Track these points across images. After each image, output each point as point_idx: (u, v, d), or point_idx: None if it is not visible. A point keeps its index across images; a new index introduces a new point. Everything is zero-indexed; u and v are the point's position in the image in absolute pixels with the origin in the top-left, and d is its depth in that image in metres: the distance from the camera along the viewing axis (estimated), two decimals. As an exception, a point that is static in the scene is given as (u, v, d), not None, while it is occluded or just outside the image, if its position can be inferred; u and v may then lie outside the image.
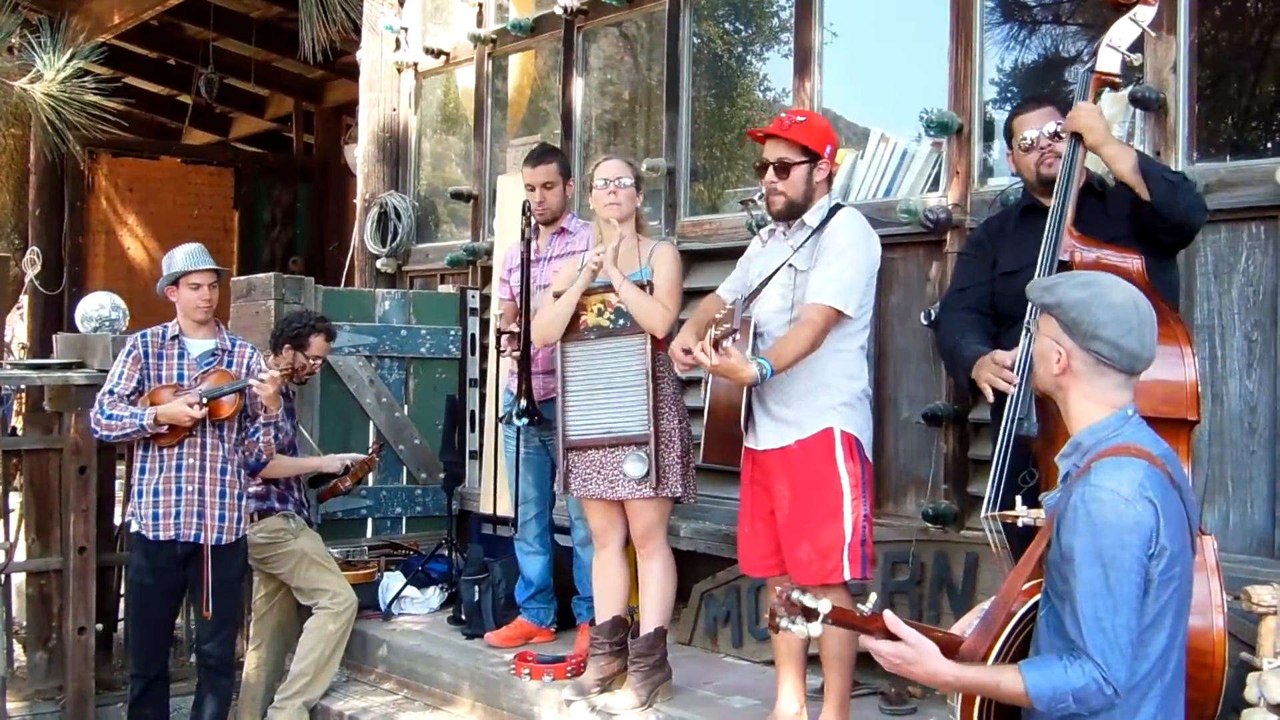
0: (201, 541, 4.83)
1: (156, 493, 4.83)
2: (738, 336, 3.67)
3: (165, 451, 4.83)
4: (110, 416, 4.78)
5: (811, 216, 3.96)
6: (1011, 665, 2.55)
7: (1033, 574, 2.71)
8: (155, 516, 4.82)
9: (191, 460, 4.83)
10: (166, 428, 4.76)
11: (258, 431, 4.96)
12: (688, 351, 3.99)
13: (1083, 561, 2.49)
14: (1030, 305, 3.15)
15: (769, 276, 3.99)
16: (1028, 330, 3.28)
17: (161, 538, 4.82)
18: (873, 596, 2.62)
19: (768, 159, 3.96)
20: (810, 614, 2.50)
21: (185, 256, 4.96)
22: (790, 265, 3.94)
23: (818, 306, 3.78)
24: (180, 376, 4.89)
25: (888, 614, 2.54)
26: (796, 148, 3.92)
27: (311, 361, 5.46)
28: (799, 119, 3.98)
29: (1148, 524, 2.49)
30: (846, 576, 3.83)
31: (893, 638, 2.54)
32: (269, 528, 5.29)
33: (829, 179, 4.01)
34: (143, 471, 4.88)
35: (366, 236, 7.50)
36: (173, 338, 4.96)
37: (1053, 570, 2.63)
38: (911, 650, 2.52)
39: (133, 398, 4.85)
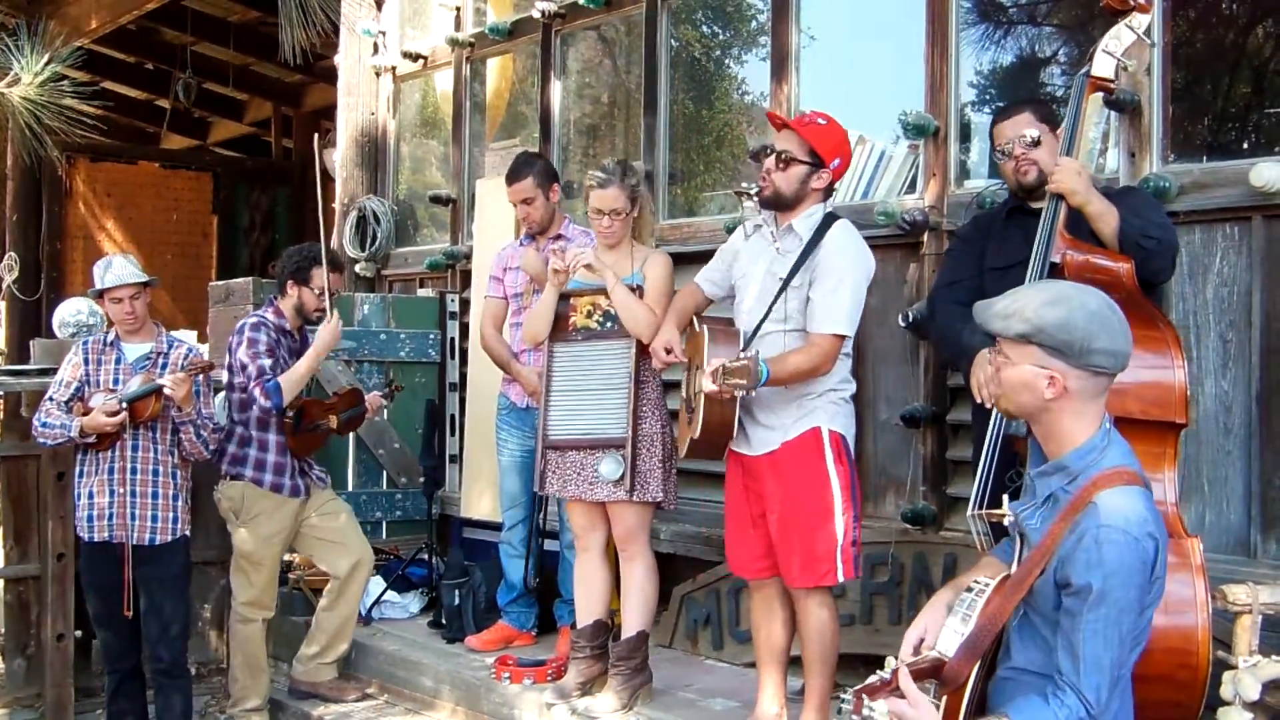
0: (134, 542, 4.85)
1: (91, 495, 4.86)
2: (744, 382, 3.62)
3: (99, 455, 4.86)
4: (45, 424, 4.82)
5: (802, 224, 3.93)
6: (1003, 717, 2.54)
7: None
8: (90, 519, 4.86)
9: (121, 463, 4.84)
10: (94, 436, 4.77)
11: (179, 433, 4.94)
12: (669, 350, 4.11)
13: (1093, 603, 2.49)
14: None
15: (764, 291, 3.96)
16: None
17: (97, 539, 4.86)
18: (890, 661, 2.63)
19: (776, 146, 3.96)
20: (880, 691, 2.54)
21: (106, 273, 4.94)
22: (779, 279, 3.91)
23: (825, 335, 3.80)
24: (117, 381, 4.90)
25: (902, 671, 2.53)
26: (805, 148, 3.92)
27: (317, 296, 5.23)
28: (820, 121, 3.96)
29: (1150, 557, 2.51)
30: (840, 578, 3.86)
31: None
32: (226, 494, 5.26)
33: (827, 191, 4.00)
34: (80, 475, 4.93)
35: (345, 241, 7.48)
36: (109, 344, 4.97)
37: (1040, 596, 2.62)
38: (911, 712, 2.52)
39: (71, 404, 4.87)
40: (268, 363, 5.01)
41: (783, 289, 3.90)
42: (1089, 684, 2.49)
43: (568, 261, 4.37)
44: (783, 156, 3.92)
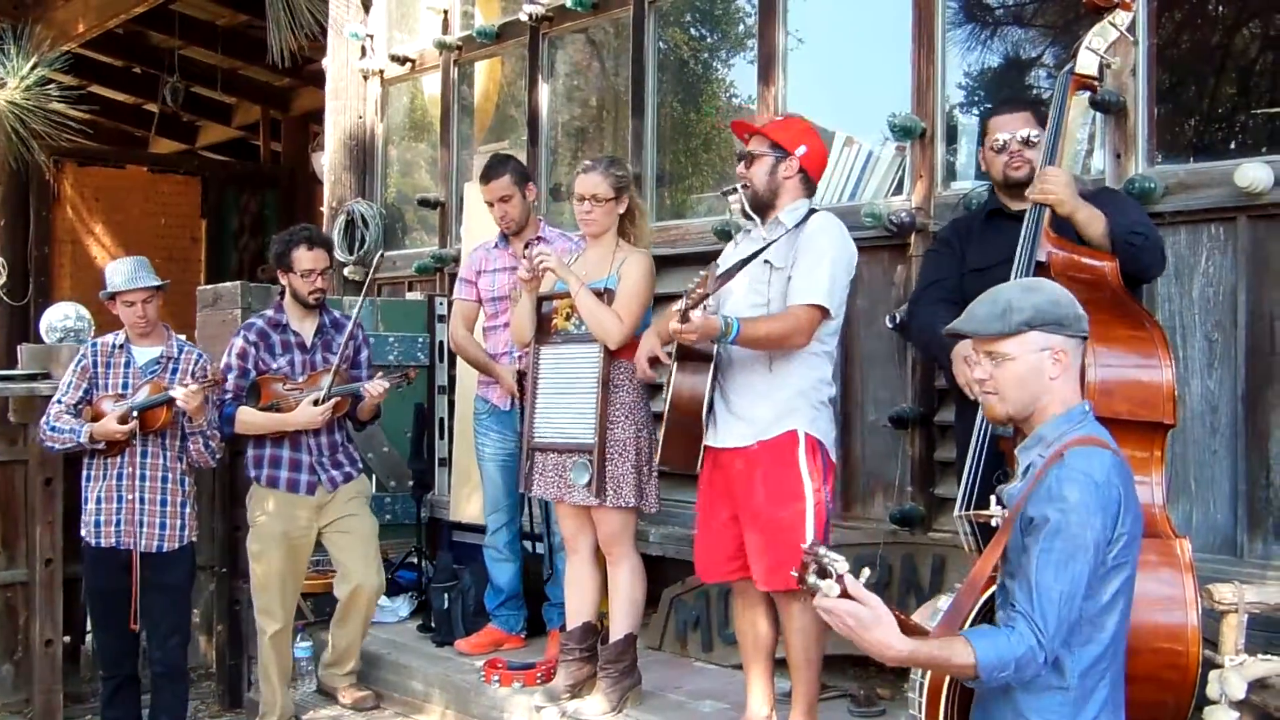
0: (142, 549, 4.86)
1: (99, 501, 4.88)
2: (709, 303, 3.71)
3: (108, 460, 4.88)
4: (54, 429, 4.84)
5: (787, 216, 3.97)
6: (959, 636, 2.58)
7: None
8: (98, 524, 4.88)
9: (130, 469, 4.87)
10: (103, 443, 4.79)
11: (186, 440, 4.95)
12: (653, 361, 4.10)
13: (1048, 534, 2.56)
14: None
15: (742, 262, 3.95)
16: None
17: (104, 545, 4.88)
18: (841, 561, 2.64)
19: (741, 153, 4.07)
20: (824, 572, 2.53)
21: (119, 275, 4.94)
22: (766, 261, 3.93)
23: (803, 306, 3.80)
24: (125, 385, 4.91)
25: (848, 577, 2.55)
26: (766, 142, 4.01)
27: (302, 278, 5.07)
28: (777, 118, 4.10)
29: (1113, 509, 2.58)
30: None
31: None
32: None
33: (804, 181, 4.02)
34: (88, 480, 4.94)
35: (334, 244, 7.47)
36: (119, 346, 4.98)
37: (1012, 554, 2.68)
38: (869, 614, 2.52)
39: (80, 407, 4.90)
40: (233, 372, 5.02)
41: (757, 256, 3.92)
42: (1039, 612, 2.53)
43: (533, 265, 4.39)
44: (747, 156, 4.04)
